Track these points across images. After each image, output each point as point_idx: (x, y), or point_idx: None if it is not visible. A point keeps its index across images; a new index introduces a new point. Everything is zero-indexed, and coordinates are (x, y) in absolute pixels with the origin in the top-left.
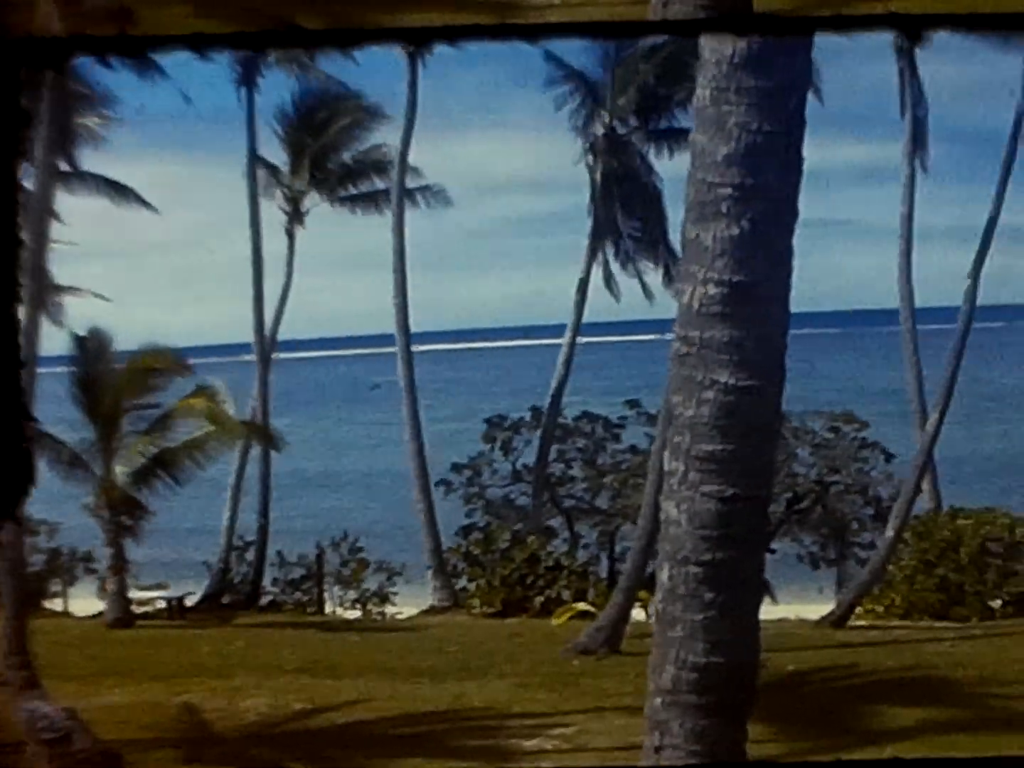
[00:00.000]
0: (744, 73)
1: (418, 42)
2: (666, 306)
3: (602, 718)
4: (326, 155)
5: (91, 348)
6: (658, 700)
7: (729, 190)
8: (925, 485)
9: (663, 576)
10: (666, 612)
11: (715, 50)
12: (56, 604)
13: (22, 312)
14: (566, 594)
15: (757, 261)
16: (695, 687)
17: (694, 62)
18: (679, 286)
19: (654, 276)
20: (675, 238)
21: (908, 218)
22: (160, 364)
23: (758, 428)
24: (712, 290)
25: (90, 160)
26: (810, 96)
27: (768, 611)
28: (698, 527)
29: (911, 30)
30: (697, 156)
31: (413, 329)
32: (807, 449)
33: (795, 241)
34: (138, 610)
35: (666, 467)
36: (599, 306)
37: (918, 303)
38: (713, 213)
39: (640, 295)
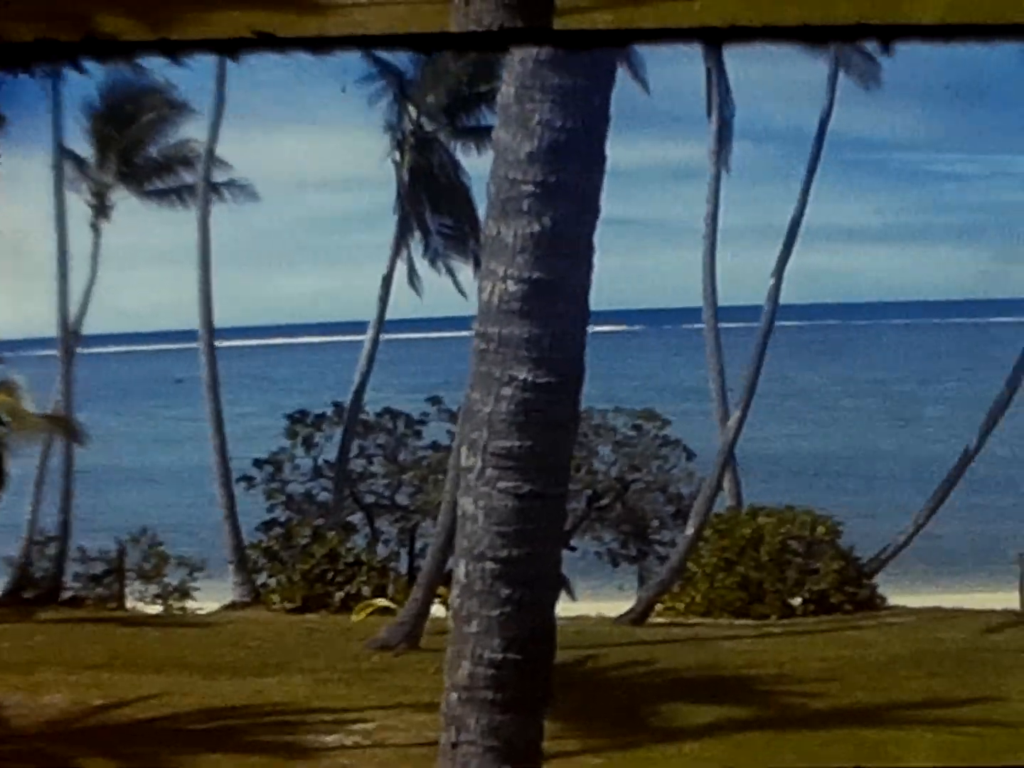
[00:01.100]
0: (549, 71)
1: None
2: (475, 303)
3: (401, 714)
4: (133, 149)
5: None
6: (454, 696)
7: (531, 187)
8: (726, 483)
9: (459, 572)
10: (462, 608)
11: (521, 48)
12: None
13: None
14: (366, 590)
15: (557, 258)
16: (491, 683)
17: (503, 60)
18: (480, 283)
19: (467, 273)
20: None
21: (713, 217)
22: None
23: (556, 425)
24: (512, 287)
25: None
26: (624, 94)
27: (568, 608)
28: (495, 523)
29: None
30: (500, 153)
31: (218, 325)
32: (608, 446)
33: (600, 239)
34: None
35: (463, 463)
36: (405, 302)
37: (722, 302)
38: (515, 210)
39: (446, 291)
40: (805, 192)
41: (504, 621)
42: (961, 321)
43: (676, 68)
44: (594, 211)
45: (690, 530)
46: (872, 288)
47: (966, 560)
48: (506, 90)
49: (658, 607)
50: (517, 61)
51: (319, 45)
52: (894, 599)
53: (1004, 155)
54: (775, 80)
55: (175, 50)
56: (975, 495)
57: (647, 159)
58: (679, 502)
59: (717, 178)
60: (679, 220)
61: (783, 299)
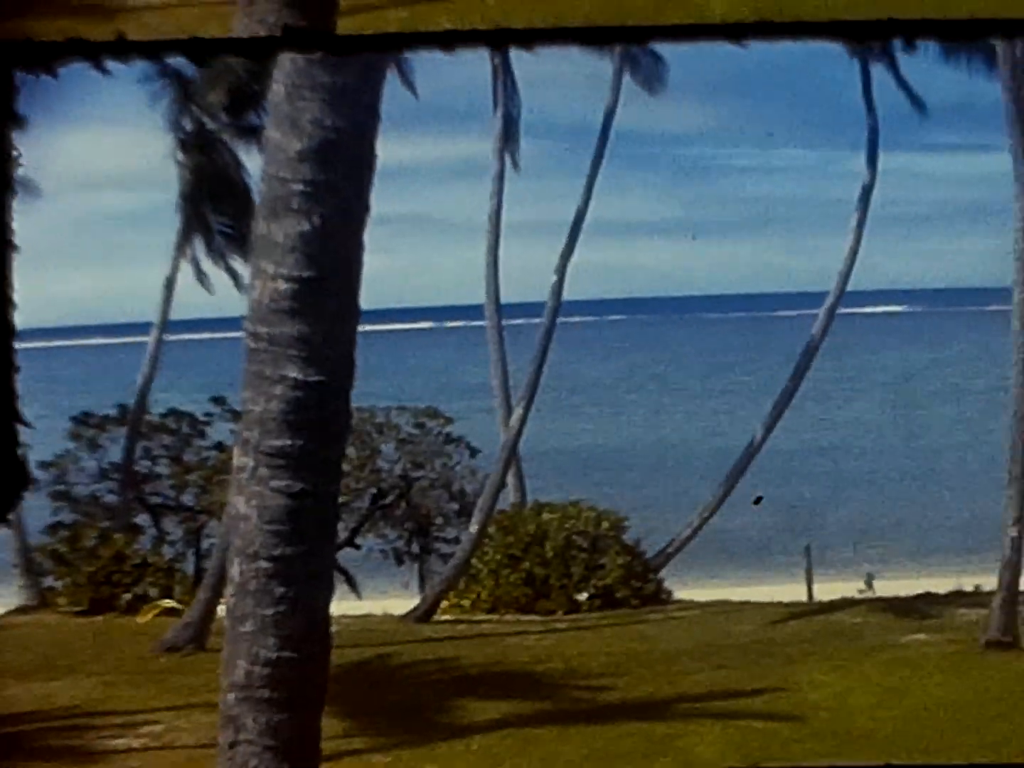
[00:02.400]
0: (319, 69)
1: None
2: None
3: (190, 715)
4: None
5: None
6: (231, 696)
7: (301, 186)
8: (510, 479)
9: (234, 572)
10: (237, 608)
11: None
12: None
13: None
14: (153, 591)
15: (327, 257)
16: (268, 682)
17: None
18: (250, 282)
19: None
20: None
21: (496, 213)
22: None
23: (327, 423)
24: (282, 286)
25: None
26: (404, 91)
27: (353, 606)
28: (267, 522)
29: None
30: (271, 152)
31: None
32: (392, 444)
33: (385, 237)
34: None
35: (236, 463)
36: (190, 303)
37: (506, 298)
38: (285, 209)
39: (232, 291)
40: (589, 188)
41: (279, 620)
42: (744, 315)
43: (462, 64)
44: (364, 209)
45: (474, 527)
46: (656, 283)
47: (753, 553)
48: (277, 89)
49: (444, 604)
50: (288, 60)
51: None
52: (680, 593)
53: (786, 149)
54: (561, 76)
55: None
56: (761, 488)
57: (431, 155)
58: (463, 499)
59: (501, 174)
60: (463, 217)
61: (568, 295)
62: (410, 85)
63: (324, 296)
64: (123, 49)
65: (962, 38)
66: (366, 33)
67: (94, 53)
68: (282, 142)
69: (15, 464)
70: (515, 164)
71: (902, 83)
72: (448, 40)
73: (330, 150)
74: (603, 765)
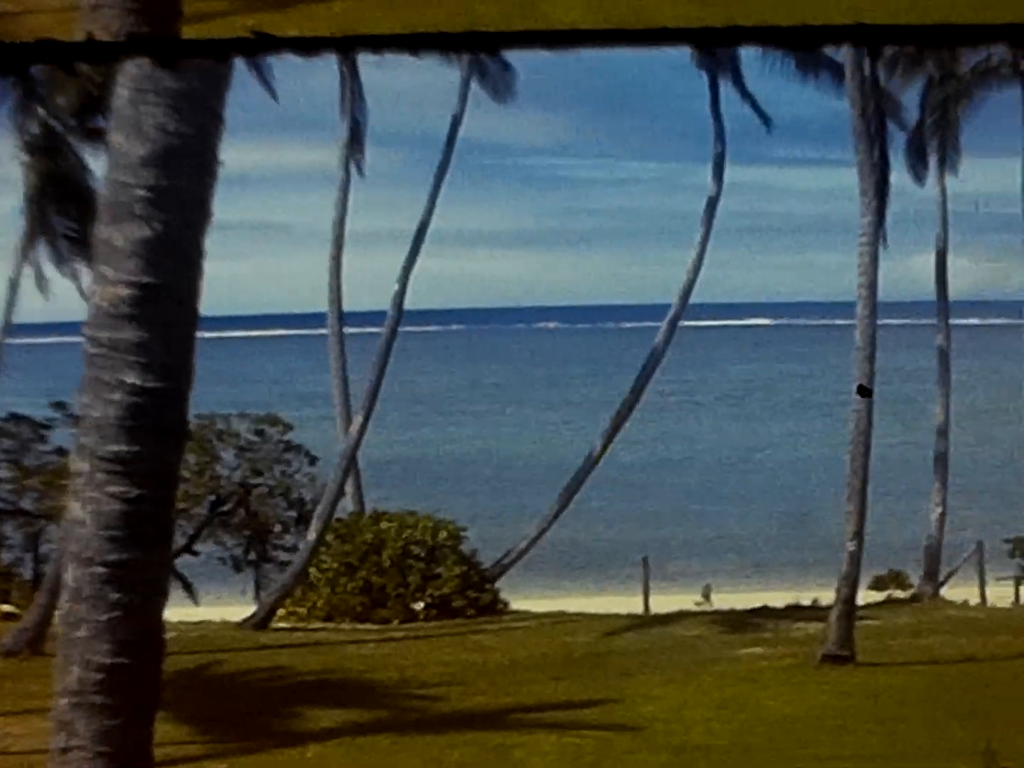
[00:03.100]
0: (164, 74)
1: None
2: None
3: (26, 721)
4: None
5: None
6: (64, 701)
7: (143, 191)
8: (348, 488)
9: (68, 577)
10: (71, 613)
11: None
12: None
13: None
14: None
15: (168, 263)
16: (100, 688)
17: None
18: (90, 287)
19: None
20: None
21: (340, 222)
22: None
23: (165, 430)
24: (122, 291)
25: None
26: (249, 99)
27: (191, 613)
28: (103, 528)
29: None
30: (114, 157)
31: None
32: (232, 452)
33: (230, 244)
34: None
35: (73, 468)
36: (35, 306)
37: (348, 307)
38: (126, 214)
39: (76, 295)
40: (433, 198)
41: (113, 626)
42: (587, 326)
43: (309, 72)
44: (205, 216)
45: (312, 535)
46: (499, 293)
47: (590, 565)
48: (120, 93)
49: (280, 612)
50: (133, 64)
51: (311, 46)
52: (517, 604)
53: (633, 161)
54: (408, 85)
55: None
56: (599, 500)
57: (277, 163)
58: (301, 507)
59: (347, 183)
60: (307, 224)
61: (410, 305)
62: (270, 89)
63: (164, 302)
64: (90, 50)
65: (812, 45)
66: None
67: (64, 54)
68: (125, 147)
69: None
70: (360, 172)
71: (747, 97)
72: (298, 46)
73: (173, 156)
74: None
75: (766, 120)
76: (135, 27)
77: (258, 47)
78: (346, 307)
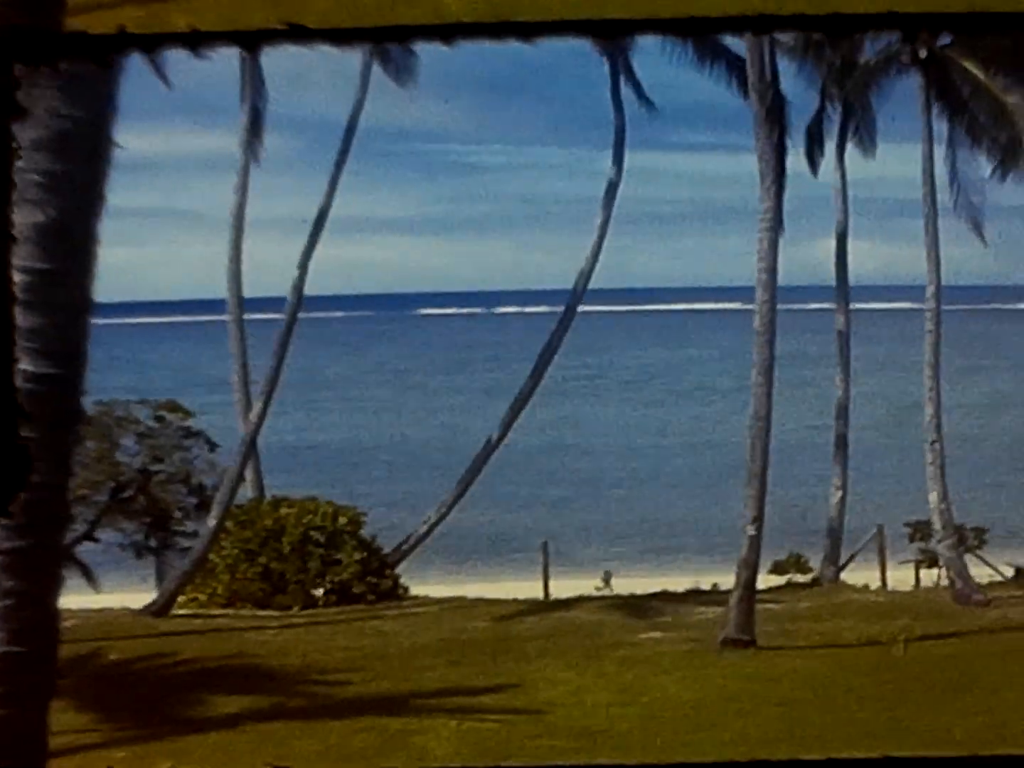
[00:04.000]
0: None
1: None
2: None
3: None
4: None
5: None
6: None
7: (36, 176)
8: (248, 474)
9: None
10: None
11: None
12: None
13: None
14: None
15: (61, 249)
16: None
17: None
18: None
19: None
20: None
21: (240, 208)
22: None
23: (60, 416)
24: (16, 277)
25: None
26: (148, 85)
27: (92, 600)
28: None
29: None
30: None
31: None
32: (132, 438)
33: (128, 230)
34: None
35: None
36: None
37: (250, 293)
38: (19, 199)
39: None
40: (333, 184)
41: (7, 613)
42: (488, 311)
43: (209, 59)
44: (99, 200)
45: (212, 521)
46: (402, 279)
47: (490, 550)
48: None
49: (181, 599)
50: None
51: (343, 37)
52: (417, 589)
53: (536, 147)
54: (309, 71)
55: (199, 42)
56: (500, 485)
57: (177, 148)
58: (202, 493)
59: (246, 169)
60: (207, 211)
61: (311, 291)
62: (163, 76)
63: (58, 288)
64: (123, 43)
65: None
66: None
67: (94, 47)
68: (16, 131)
69: (18, 456)
70: (256, 159)
71: (634, 83)
72: (191, 41)
73: (66, 140)
74: (338, 761)
75: (651, 107)
76: (17, 18)
77: (154, 42)
78: (247, 293)
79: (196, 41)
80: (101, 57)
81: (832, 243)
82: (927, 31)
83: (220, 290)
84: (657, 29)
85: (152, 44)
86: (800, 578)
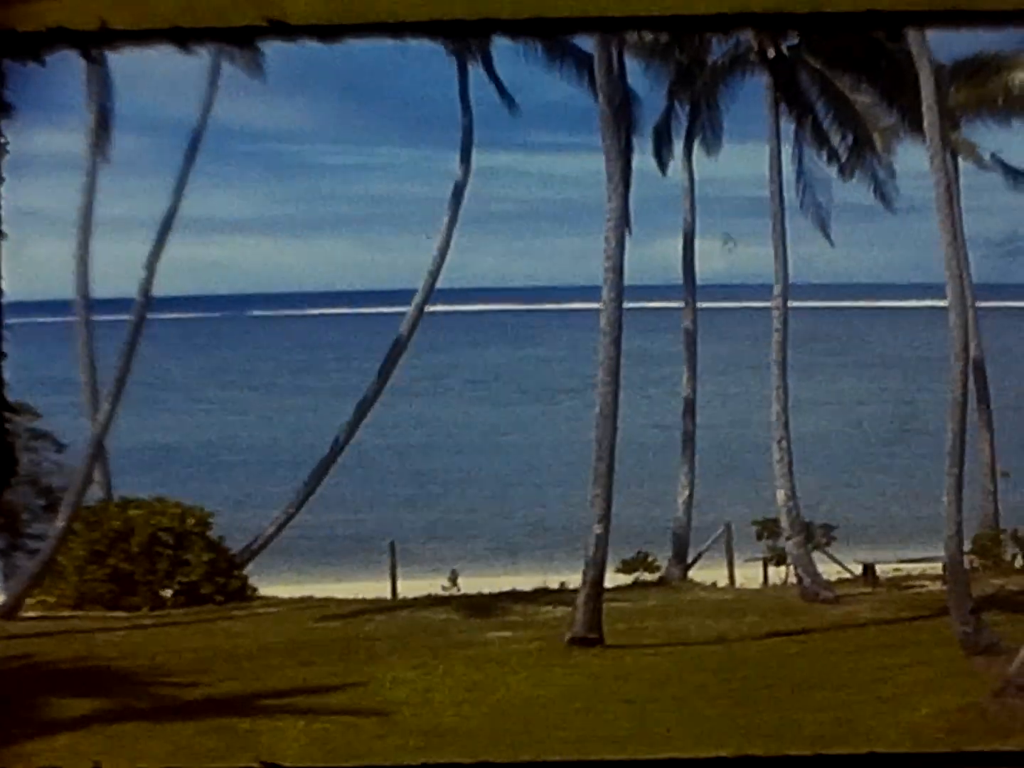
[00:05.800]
0: None
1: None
2: None
3: None
4: None
5: None
6: None
7: None
8: (96, 475)
9: None
10: None
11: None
12: None
13: None
14: None
15: None
16: None
17: None
18: None
19: None
20: None
21: (88, 208)
22: None
23: None
24: None
25: None
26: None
27: None
28: None
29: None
30: None
31: None
32: None
33: None
34: None
35: None
36: None
37: (99, 294)
38: None
39: None
40: (180, 183)
41: None
42: (336, 312)
43: (57, 56)
44: None
45: (60, 522)
46: (248, 279)
47: (338, 550)
48: None
49: (29, 600)
50: None
51: (330, 33)
52: (266, 590)
53: (384, 147)
54: (157, 70)
55: (186, 39)
56: (347, 485)
57: (23, 148)
58: (50, 495)
59: (94, 169)
60: (54, 211)
61: (158, 291)
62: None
63: None
64: (109, 37)
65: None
66: None
67: (81, 42)
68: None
69: (3, 451)
70: (106, 158)
71: (495, 81)
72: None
73: None
74: (187, 761)
75: (512, 105)
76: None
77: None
78: (95, 294)
79: (183, 37)
80: (86, 51)
81: (680, 242)
82: (774, 31)
83: (67, 290)
84: (508, 30)
85: (137, 39)
86: (648, 576)
